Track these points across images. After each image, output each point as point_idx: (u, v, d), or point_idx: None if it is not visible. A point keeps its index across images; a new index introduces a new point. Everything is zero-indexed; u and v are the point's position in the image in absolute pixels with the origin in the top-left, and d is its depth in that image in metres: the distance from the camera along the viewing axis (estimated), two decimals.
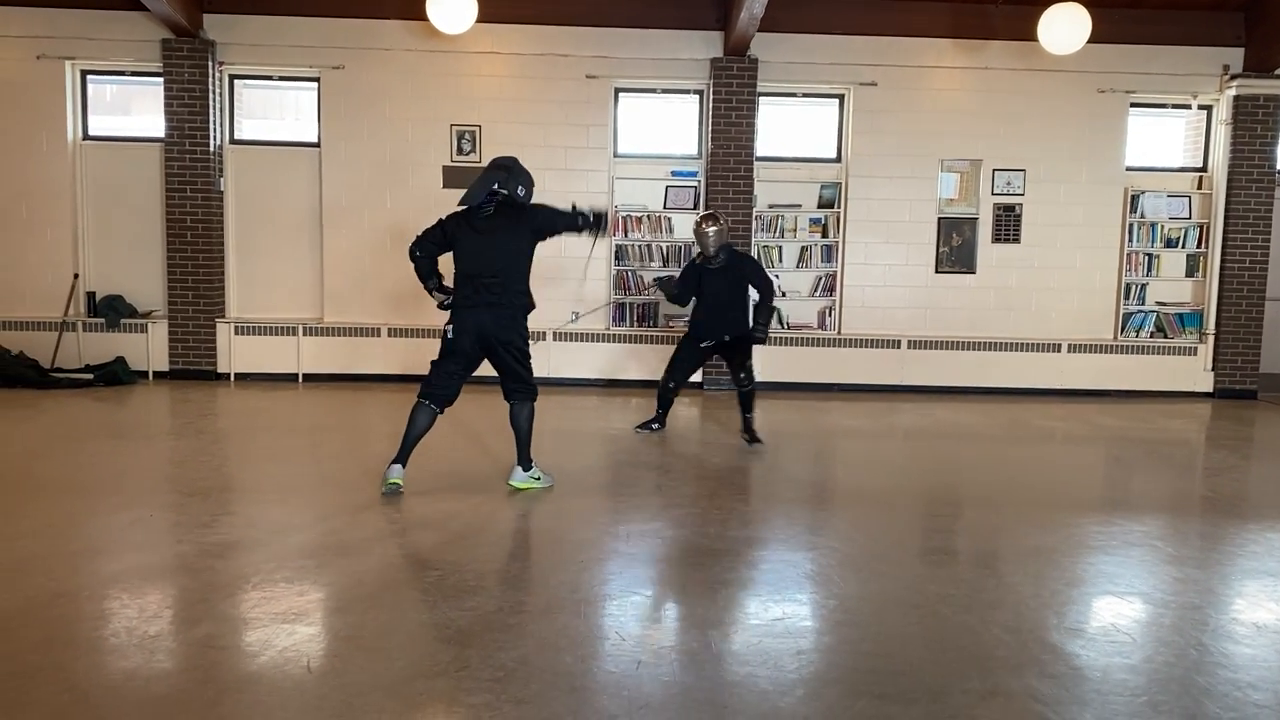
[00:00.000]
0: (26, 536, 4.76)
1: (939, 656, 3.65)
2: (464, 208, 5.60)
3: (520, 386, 5.70)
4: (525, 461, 5.81)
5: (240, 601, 4.02)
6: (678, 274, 7.92)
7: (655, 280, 8.42)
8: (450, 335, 5.59)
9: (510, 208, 5.57)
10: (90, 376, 9.48)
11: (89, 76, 10.03)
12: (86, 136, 10.04)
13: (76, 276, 9.94)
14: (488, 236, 5.55)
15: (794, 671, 3.49)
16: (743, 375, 7.40)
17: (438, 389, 5.61)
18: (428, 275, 5.77)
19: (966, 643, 3.78)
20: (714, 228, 7.29)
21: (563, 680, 3.36)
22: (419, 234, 5.75)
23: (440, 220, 5.71)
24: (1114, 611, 4.20)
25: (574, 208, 5.78)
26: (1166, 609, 4.24)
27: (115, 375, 9.59)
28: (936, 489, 6.64)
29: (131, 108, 10.47)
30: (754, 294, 7.44)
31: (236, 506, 5.58)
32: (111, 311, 9.87)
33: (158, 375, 9.99)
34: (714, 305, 7.39)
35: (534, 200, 5.69)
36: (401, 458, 5.65)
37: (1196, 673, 3.54)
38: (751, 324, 7.42)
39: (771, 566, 4.70)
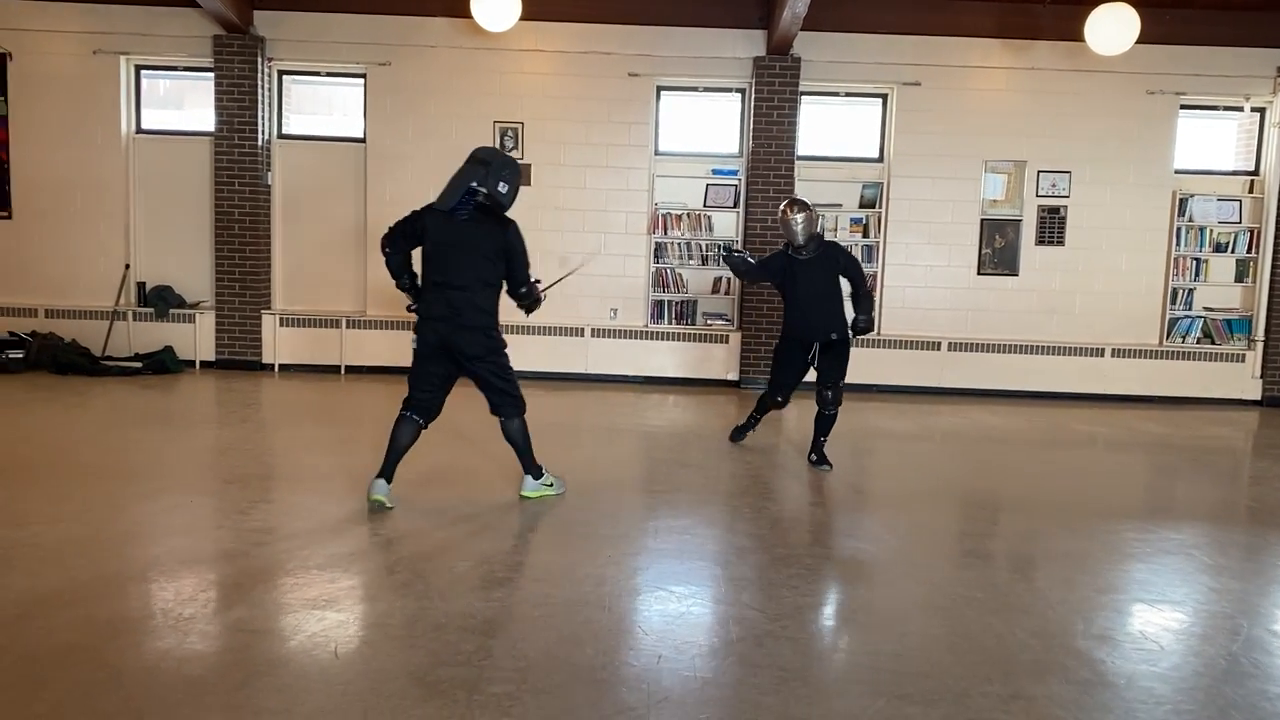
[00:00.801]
0: (68, 519, 4.89)
1: (962, 659, 3.63)
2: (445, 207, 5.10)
3: (503, 400, 5.30)
4: (534, 470, 5.53)
5: (274, 587, 4.11)
6: (752, 258, 7.23)
7: (726, 251, 7.83)
8: (416, 347, 5.19)
9: (489, 215, 5.10)
10: (139, 365, 9.70)
11: (143, 71, 10.25)
12: (139, 130, 10.26)
13: (128, 267, 10.17)
14: (460, 243, 5.06)
15: (816, 669, 3.50)
16: (829, 393, 6.57)
17: (417, 401, 5.25)
18: (398, 273, 5.31)
19: (991, 646, 3.76)
20: (801, 215, 6.52)
21: (584, 673, 3.40)
22: (391, 226, 5.26)
23: (415, 212, 5.19)
24: (1144, 619, 4.16)
25: (531, 283, 5.31)
26: (1198, 618, 4.19)
27: (163, 364, 9.79)
28: (971, 492, 6.60)
29: (183, 102, 10.68)
30: (846, 286, 6.73)
31: (275, 494, 5.68)
32: (161, 302, 10.08)
33: (204, 365, 10.18)
34: (810, 300, 6.60)
35: (517, 190, 5.19)
36: (385, 472, 5.27)
37: (1224, 683, 3.50)
38: (853, 318, 6.65)
39: (800, 566, 4.70)
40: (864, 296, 6.65)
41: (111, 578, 4.12)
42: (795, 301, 6.69)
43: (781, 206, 6.74)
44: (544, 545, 4.95)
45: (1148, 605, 4.33)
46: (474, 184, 5.03)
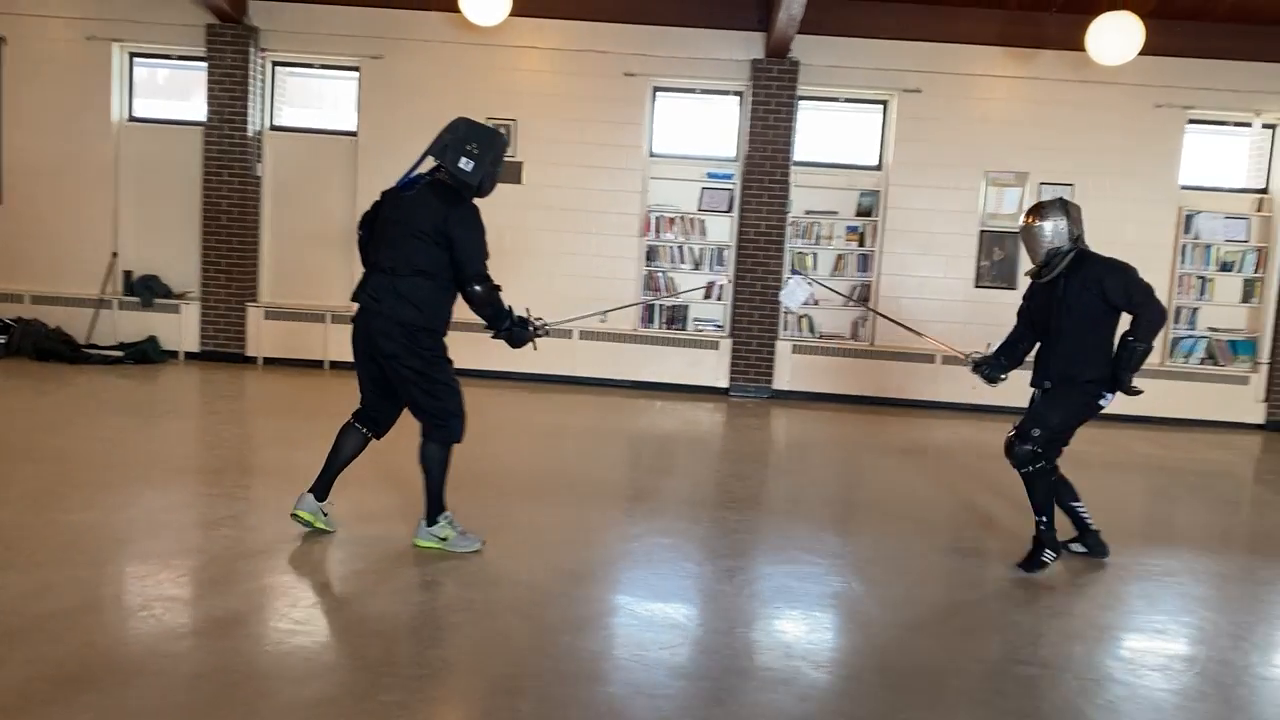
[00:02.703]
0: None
1: (894, 681, 3.45)
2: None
3: (422, 419, 4.40)
4: (430, 513, 4.50)
5: (197, 581, 3.98)
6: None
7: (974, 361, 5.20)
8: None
9: (442, 191, 4.28)
10: (121, 354, 9.61)
11: (136, 59, 10.19)
12: (130, 118, 10.19)
13: (114, 255, 10.09)
14: (396, 221, 4.29)
15: (738, 685, 3.32)
16: (1015, 437, 4.73)
17: (361, 407, 4.61)
18: (362, 257, 4.55)
19: (927, 667, 3.57)
20: (1045, 223, 4.78)
21: (486, 683, 3.25)
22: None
23: (384, 191, 4.49)
24: (1098, 648, 3.95)
25: (491, 291, 4.33)
26: (1153, 651, 3.97)
27: (145, 354, 9.71)
28: (951, 510, 6.36)
29: (176, 91, 10.62)
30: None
31: (221, 489, 5.54)
32: (146, 291, 10.00)
33: (188, 356, 10.09)
34: (1041, 339, 4.94)
35: (489, 164, 4.32)
36: (316, 486, 4.59)
37: (1156, 713, 3.30)
38: (1117, 369, 4.62)
39: (748, 577, 4.52)
40: (1133, 346, 4.61)
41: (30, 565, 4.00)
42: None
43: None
44: (488, 548, 4.77)
45: (1107, 632, 4.12)
46: (433, 157, 4.32)
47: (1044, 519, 4.74)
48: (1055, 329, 4.73)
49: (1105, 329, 4.70)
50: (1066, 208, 4.82)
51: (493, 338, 4.53)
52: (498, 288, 4.37)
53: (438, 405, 4.36)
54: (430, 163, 4.37)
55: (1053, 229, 4.75)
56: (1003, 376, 5.14)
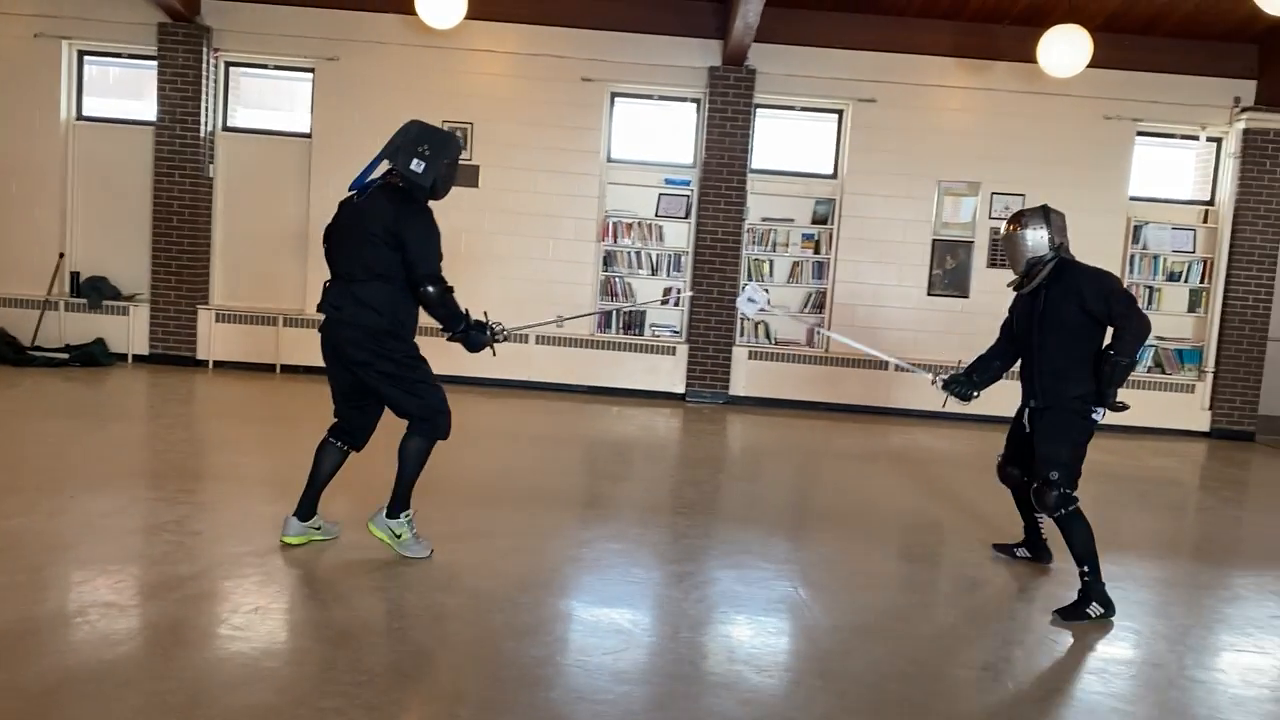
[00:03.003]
0: None
1: (832, 685, 3.47)
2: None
3: (409, 419, 4.38)
4: (394, 505, 4.43)
5: (127, 588, 3.91)
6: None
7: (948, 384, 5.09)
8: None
9: (394, 193, 4.22)
10: (67, 356, 9.45)
11: (86, 57, 10.03)
12: (80, 117, 10.03)
13: (62, 256, 9.92)
14: (348, 227, 4.26)
15: (661, 693, 3.32)
16: (1039, 486, 4.51)
17: (336, 421, 4.55)
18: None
19: (865, 673, 3.59)
20: (1026, 231, 4.65)
21: (425, 689, 3.22)
22: None
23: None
24: (1037, 652, 4.00)
25: (443, 292, 4.27)
26: (1092, 655, 4.03)
27: (92, 356, 9.55)
28: (898, 515, 6.41)
29: (128, 90, 10.47)
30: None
31: (174, 493, 5.45)
32: (94, 293, 9.84)
33: (137, 359, 9.93)
34: (1024, 353, 4.78)
35: (443, 166, 4.25)
36: (300, 509, 4.52)
37: (1090, 716, 3.36)
38: (1100, 385, 4.42)
39: (694, 583, 4.53)
40: (1114, 361, 4.39)
41: None
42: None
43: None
44: (434, 554, 4.73)
45: (1044, 637, 4.17)
46: (386, 160, 4.24)
47: (1086, 568, 4.34)
48: (1037, 342, 4.57)
49: (1088, 342, 4.48)
50: (1048, 215, 4.66)
51: (449, 339, 4.47)
52: (450, 289, 4.31)
53: (421, 403, 4.32)
54: (385, 166, 4.29)
55: (1033, 237, 4.60)
56: (976, 394, 5.02)
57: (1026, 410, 4.72)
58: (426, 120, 4.42)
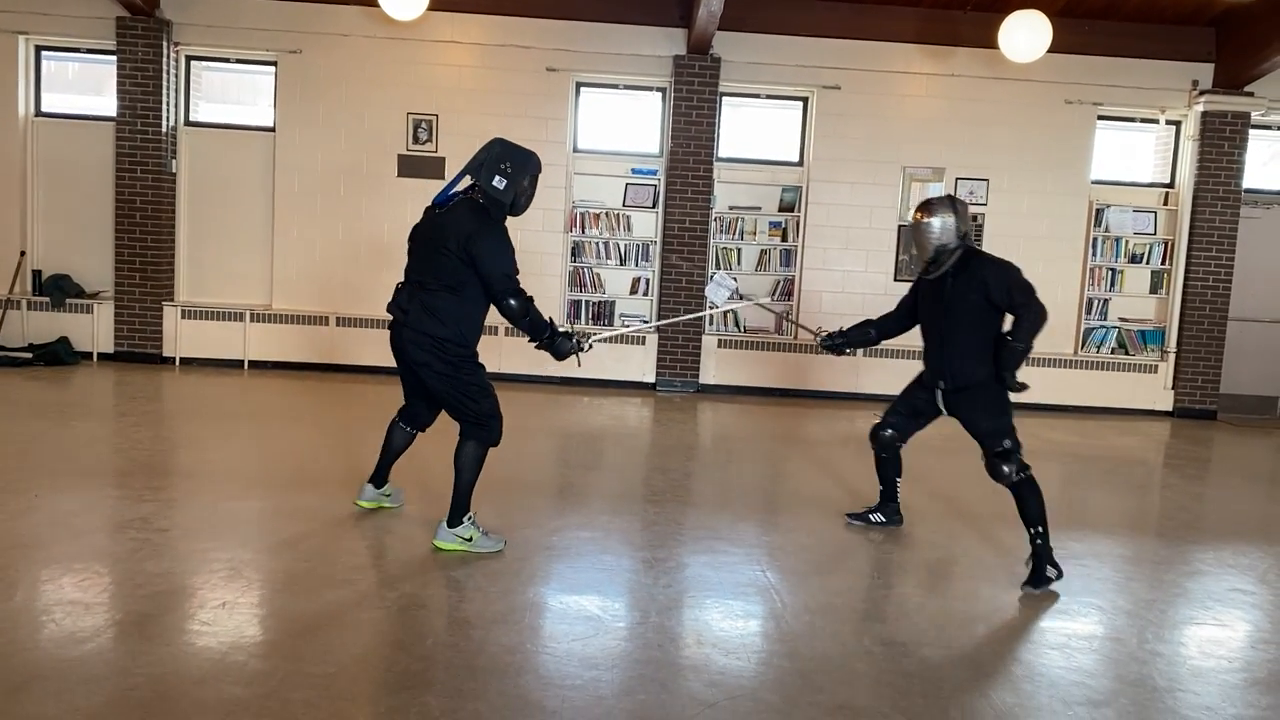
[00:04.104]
0: None
1: (799, 666, 3.51)
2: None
3: (461, 421, 4.54)
4: (453, 514, 4.55)
5: (93, 585, 3.89)
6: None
7: (825, 340, 5.52)
8: None
9: (473, 208, 4.40)
10: (30, 355, 9.35)
11: (44, 52, 9.90)
12: (39, 113, 9.90)
13: (23, 254, 9.81)
14: (426, 238, 4.47)
15: (630, 678, 3.35)
16: (993, 458, 4.63)
17: (403, 406, 4.90)
18: None
19: (833, 654, 3.64)
20: (934, 219, 4.74)
21: (394, 679, 3.23)
22: None
23: None
24: (1000, 629, 4.06)
25: (525, 304, 4.44)
26: (1054, 630, 4.09)
27: (56, 355, 9.46)
28: (861, 497, 6.45)
29: (87, 86, 10.34)
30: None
31: (139, 490, 5.42)
32: (57, 291, 9.73)
33: (102, 357, 9.84)
34: (930, 337, 4.96)
35: (523, 184, 4.50)
36: (375, 475, 5.04)
37: (1052, 689, 3.41)
38: (998, 368, 4.58)
39: (664, 569, 4.56)
40: (1014, 343, 4.59)
41: None
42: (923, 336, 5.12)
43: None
44: (403, 546, 4.74)
45: (1007, 613, 4.24)
46: (469, 176, 4.46)
47: (1040, 529, 4.53)
48: (945, 327, 4.74)
49: (991, 329, 4.65)
50: (955, 205, 4.77)
51: (536, 349, 4.64)
52: (530, 299, 4.47)
53: (474, 407, 4.48)
54: (468, 181, 4.50)
55: (941, 225, 4.71)
56: (848, 351, 5.47)
57: (939, 393, 4.90)
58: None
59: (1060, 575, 4.54)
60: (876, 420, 5.34)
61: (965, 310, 4.65)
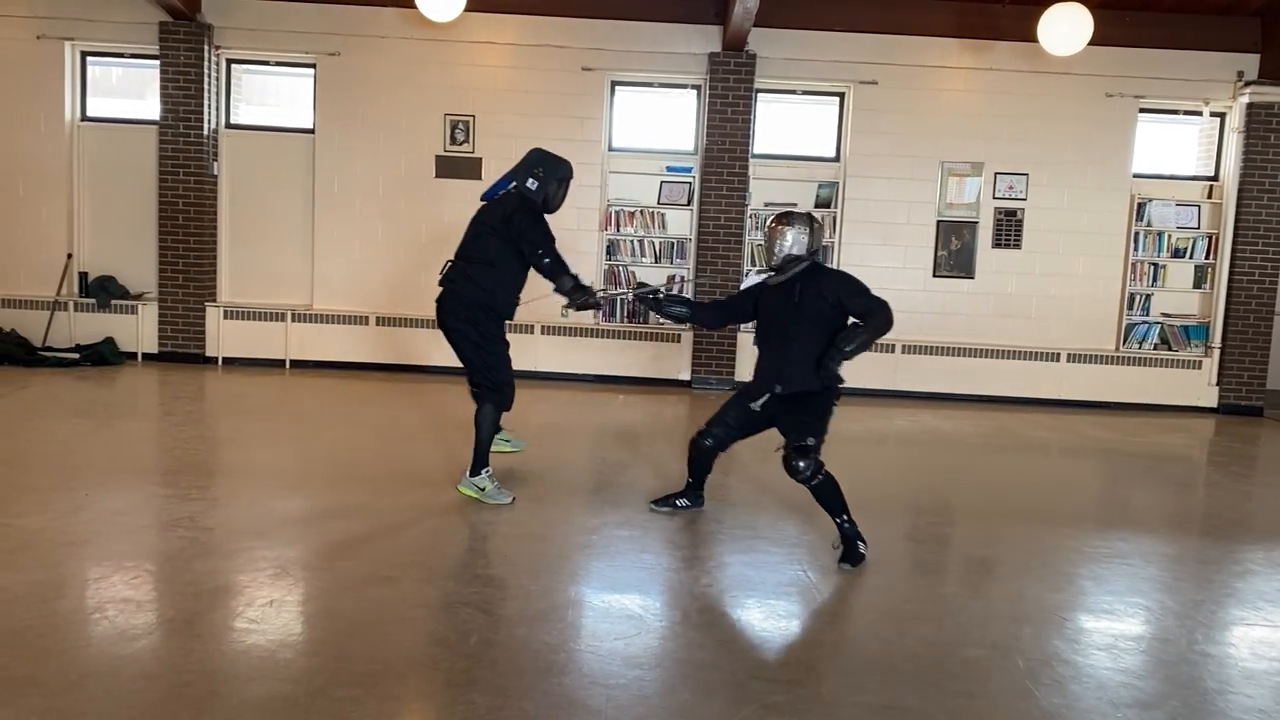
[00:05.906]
0: None
1: (841, 667, 3.50)
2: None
3: (480, 381, 5.30)
4: (475, 466, 5.31)
5: (143, 583, 3.96)
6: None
7: (638, 290, 5.96)
8: None
9: (515, 198, 5.24)
10: (77, 356, 9.51)
11: (89, 58, 10.06)
12: (84, 117, 10.07)
13: (70, 256, 9.98)
14: (474, 221, 5.38)
15: (673, 677, 3.36)
16: (793, 453, 4.69)
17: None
18: None
19: (876, 654, 3.63)
20: (789, 229, 4.92)
21: (441, 677, 3.26)
22: None
23: None
24: (1046, 629, 4.02)
25: (558, 264, 5.12)
26: (1101, 631, 4.06)
27: (102, 356, 9.61)
28: (901, 496, 6.43)
29: (132, 90, 10.50)
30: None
31: (186, 489, 5.50)
32: (103, 292, 9.90)
33: (147, 357, 9.99)
34: (772, 341, 5.07)
35: (553, 187, 5.33)
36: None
37: (1100, 691, 3.38)
38: (834, 340, 4.69)
39: (705, 568, 4.56)
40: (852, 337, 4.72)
41: None
42: (758, 342, 5.35)
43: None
44: (446, 544, 4.78)
45: (1053, 614, 4.20)
46: (513, 183, 5.31)
47: (845, 517, 4.74)
48: (791, 332, 4.89)
49: (831, 334, 4.80)
50: (812, 223, 5.00)
51: (565, 305, 5.22)
52: (561, 260, 5.16)
53: (494, 375, 5.27)
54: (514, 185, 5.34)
55: (794, 236, 4.92)
56: (678, 310, 5.39)
57: (767, 395, 5.00)
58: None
59: (867, 545, 4.72)
60: (700, 429, 5.32)
61: (816, 313, 4.85)
